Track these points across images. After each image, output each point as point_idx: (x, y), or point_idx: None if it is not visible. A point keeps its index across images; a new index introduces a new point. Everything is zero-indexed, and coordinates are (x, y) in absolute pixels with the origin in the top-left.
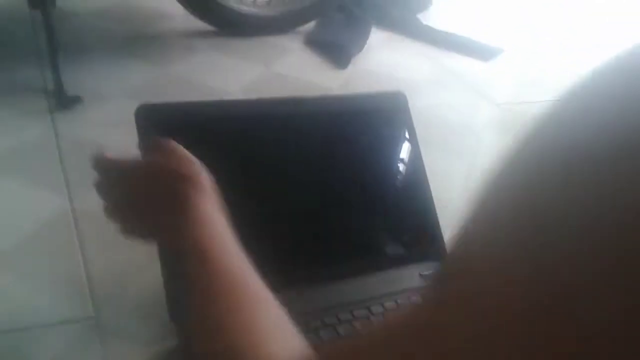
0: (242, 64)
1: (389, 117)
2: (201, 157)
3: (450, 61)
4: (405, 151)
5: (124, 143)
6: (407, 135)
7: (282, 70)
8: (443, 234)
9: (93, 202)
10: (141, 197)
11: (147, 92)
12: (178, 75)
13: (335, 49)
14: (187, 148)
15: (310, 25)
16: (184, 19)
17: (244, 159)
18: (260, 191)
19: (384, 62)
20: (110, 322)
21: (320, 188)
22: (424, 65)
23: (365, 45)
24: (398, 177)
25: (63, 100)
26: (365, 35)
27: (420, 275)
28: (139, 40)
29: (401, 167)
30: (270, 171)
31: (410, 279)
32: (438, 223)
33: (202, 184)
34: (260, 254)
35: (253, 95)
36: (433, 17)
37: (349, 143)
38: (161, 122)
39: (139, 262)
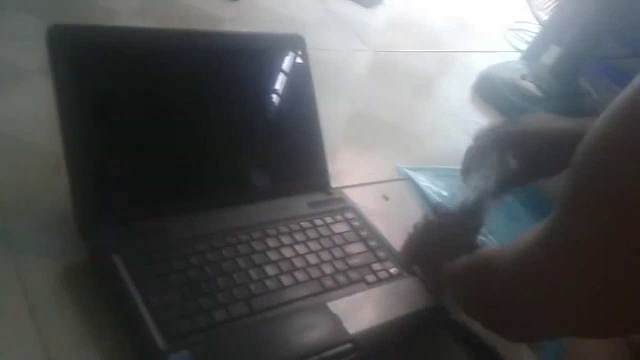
0: None
1: (287, 58)
2: (106, 81)
3: (336, 4)
4: (300, 91)
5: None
6: (303, 76)
7: None
8: (328, 167)
9: None
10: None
11: (37, 5)
12: None
13: None
14: (95, 71)
15: None
16: None
17: (145, 87)
18: (160, 119)
19: None
20: (19, 235)
21: (219, 121)
22: (311, 4)
23: None
24: (292, 114)
25: None
26: None
27: (309, 204)
28: None
29: (296, 105)
30: (170, 101)
31: (300, 207)
32: (325, 158)
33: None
34: (162, 180)
35: (144, 17)
36: None
37: (248, 79)
38: (72, 44)
39: (47, 178)
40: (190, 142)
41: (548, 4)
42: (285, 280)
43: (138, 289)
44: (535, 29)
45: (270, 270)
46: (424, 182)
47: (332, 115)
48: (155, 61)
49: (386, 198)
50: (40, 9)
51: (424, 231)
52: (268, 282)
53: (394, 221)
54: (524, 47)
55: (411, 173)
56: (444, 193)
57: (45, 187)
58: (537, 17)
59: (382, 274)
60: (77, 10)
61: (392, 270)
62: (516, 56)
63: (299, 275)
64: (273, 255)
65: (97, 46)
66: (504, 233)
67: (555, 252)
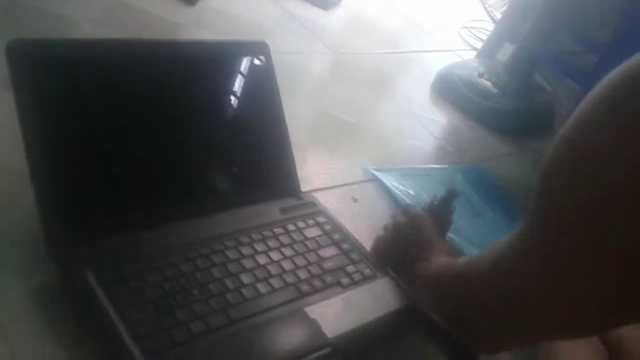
0: None
1: (252, 65)
2: (69, 96)
3: (294, 6)
4: (266, 97)
5: None
6: (269, 83)
7: (131, 2)
8: (297, 172)
9: None
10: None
11: None
12: (24, 2)
13: None
14: (56, 85)
15: None
16: None
17: (108, 100)
18: (125, 132)
19: (231, 2)
20: None
21: (187, 131)
22: (269, 8)
23: None
24: (260, 121)
25: None
26: None
27: (280, 209)
28: None
29: (263, 112)
30: (135, 113)
31: (272, 213)
32: (294, 163)
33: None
34: (131, 193)
35: (103, 26)
36: None
37: (214, 88)
38: (33, 58)
39: (12, 196)
40: (158, 153)
41: (501, 2)
42: (262, 287)
43: (113, 306)
44: (489, 27)
45: (245, 278)
46: (391, 182)
47: (297, 119)
48: (118, 73)
49: (355, 200)
50: None
51: (394, 232)
52: (244, 291)
53: (364, 222)
54: (478, 45)
55: (378, 174)
56: (411, 192)
57: (10, 205)
58: (490, 15)
59: (357, 276)
60: (34, 23)
61: (366, 272)
62: (472, 54)
63: (275, 282)
64: (248, 264)
65: (58, 60)
66: (468, 229)
67: (531, 257)
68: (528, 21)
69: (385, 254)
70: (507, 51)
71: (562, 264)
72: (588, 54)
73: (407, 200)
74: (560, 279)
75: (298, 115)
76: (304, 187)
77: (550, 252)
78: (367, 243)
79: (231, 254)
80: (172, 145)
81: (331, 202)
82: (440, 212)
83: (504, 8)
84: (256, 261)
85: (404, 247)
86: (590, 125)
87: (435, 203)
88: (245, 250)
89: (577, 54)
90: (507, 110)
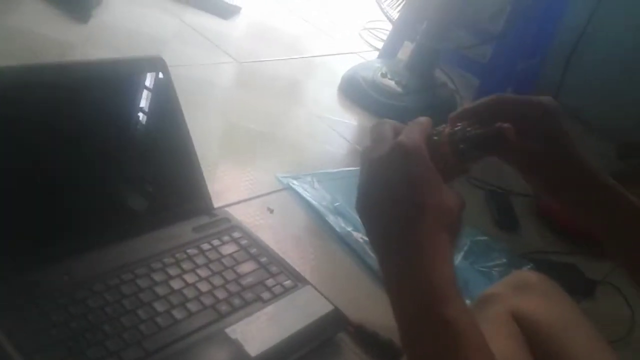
0: None
1: (149, 82)
2: None
3: (192, 17)
4: (167, 114)
5: None
6: (168, 99)
7: (16, 24)
8: (208, 188)
9: None
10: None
11: None
12: None
13: (73, 0)
14: None
15: None
16: None
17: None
18: (18, 162)
19: (126, 16)
20: None
21: (85, 158)
22: (166, 20)
23: None
24: (163, 139)
25: None
26: None
27: (193, 229)
28: None
29: (165, 129)
30: (29, 141)
31: (185, 234)
32: (204, 179)
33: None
34: (28, 230)
35: None
36: None
37: (111, 110)
38: None
39: None
40: (54, 184)
41: (397, 2)
42: (178, 314)
43: (18, 351)
44: (389, 27)
45: (159, 306)
46: (306, 188)
47: (205, 133)
48: (6, 102)
49: (271, 210)
50: None
51: (370, 171)
52: (159, 320)
53: (282, 232)
54: (380, 45)
55: (291, 182)
56: (328, 196)
57: None
58: (387, 16)
59: (277, 289)
60: None
61: (286, 283)
62: (374, 55)
63: (192, 306)
64: (161, 290)
65: None
66: None
67: None
68: (424, 19)
69: (360, 206)
70: (407, 50)
71: None
72: (483, 47)
73: (323, 204)
74: None
75: (206, 129)
76: (217, 203)
77: None
78: (287, 253)
79: (142, 283)
80: (69, 173)
81: (246, 216)
82: (460, 149)
83: (400, 7)
84: (170, 287)
85: (381, 194)
86: None
87: (467, 133)
88: (158, 277)
89: (473, 47)
90: (412, 107)
